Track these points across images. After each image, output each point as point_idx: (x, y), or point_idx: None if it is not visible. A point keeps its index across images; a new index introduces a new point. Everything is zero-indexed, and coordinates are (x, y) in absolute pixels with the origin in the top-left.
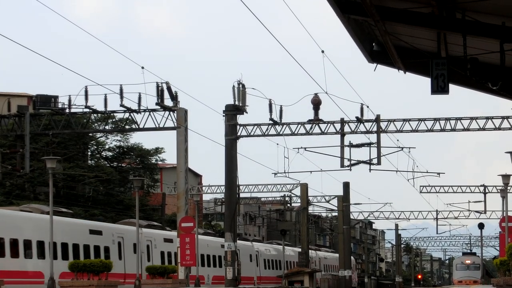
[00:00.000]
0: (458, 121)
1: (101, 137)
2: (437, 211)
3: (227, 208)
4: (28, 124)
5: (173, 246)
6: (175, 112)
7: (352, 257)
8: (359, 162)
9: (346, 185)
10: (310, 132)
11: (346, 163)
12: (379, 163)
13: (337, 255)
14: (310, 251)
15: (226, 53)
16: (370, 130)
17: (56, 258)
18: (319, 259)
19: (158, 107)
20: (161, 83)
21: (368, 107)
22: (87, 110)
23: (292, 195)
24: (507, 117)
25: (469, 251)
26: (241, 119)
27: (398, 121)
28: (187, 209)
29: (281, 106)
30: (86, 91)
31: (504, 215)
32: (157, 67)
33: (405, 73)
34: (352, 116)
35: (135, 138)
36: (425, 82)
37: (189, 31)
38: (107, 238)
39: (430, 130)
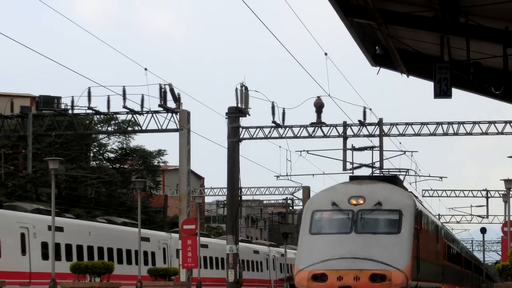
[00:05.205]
0: (461, 125)
1: (103, 138)
2: (439, 215)
3: (229, 211)
4: (31, 125)
5: (63, 237)
6: (178, 114)
7: None
8: (361, 166)
9: None
10: (312, 135)
11: (349, 166)
12: (381, 166)
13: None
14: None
15: (229, 55)
16: (373, 133)
17: None
18: (273, 257)
19: (161, 109)
20: (164, 84)
21: (371, 110)
22: (90, 111)
23: (294, 198)
24: (510, 122)
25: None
26: (243, 121)
27: (401, 125)
28: (189, 211)
29: (283, 108)
30: (89, 92)
31: (506, 219)
32: (160, 68)
33: (408, 76)
34: (355, 119)
35: (138, 140)
36: (428, 86)
37: (193, 32)
38: None
39: (433, 134)
